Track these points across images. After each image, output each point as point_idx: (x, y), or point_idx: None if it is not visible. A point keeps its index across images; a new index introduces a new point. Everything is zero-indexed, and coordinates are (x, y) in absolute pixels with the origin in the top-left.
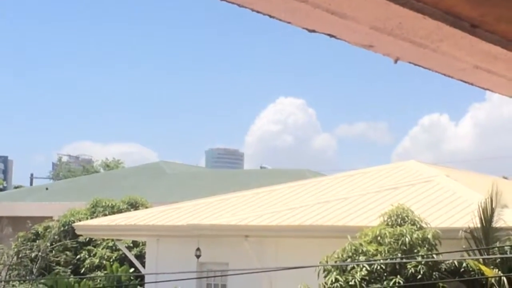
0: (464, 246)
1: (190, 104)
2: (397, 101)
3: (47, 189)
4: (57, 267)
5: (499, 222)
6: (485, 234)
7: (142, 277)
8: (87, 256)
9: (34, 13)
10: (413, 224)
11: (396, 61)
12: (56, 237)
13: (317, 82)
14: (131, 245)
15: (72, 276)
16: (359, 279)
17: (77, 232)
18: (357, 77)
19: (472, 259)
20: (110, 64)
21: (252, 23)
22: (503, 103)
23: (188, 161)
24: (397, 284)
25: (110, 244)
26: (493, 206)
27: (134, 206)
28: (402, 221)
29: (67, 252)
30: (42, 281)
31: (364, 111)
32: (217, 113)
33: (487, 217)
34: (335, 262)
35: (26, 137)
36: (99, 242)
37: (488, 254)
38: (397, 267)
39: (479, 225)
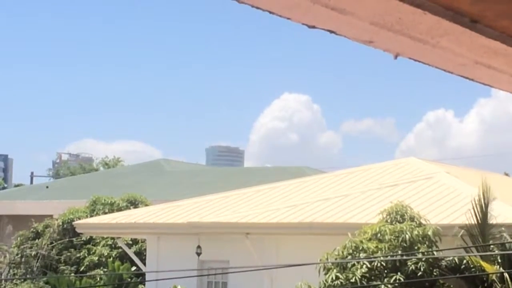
0: (460, 243)
1: (194, 101)
2: (405, 97)
3: (47, 187)
4: (59, 265)
5: (492, 218)
6: (481, 230)
7: (142, 275)
8: (86, 255)
9: (37, 10)
10: (412, 221)
11: (396, 57)
12: (55, 235)
13: (322, 77)
14: (130, 242)
15: (73, 274)
16: (359, 277)
17: (77, 230)
18: (364, 73)
19: (473, 255)
20: (113, 62)
21: (254, 19)
22: (509, 99)
23: (192, 159)
24: (397, 281)
25: (109, 242)
26: (486, 201)
27: (133, 204)
28: (401, 218)
29: (72, 250)
30: (44, 279)
31: (371, 107)
32: (220, 111)
33: (482, 213)
34: (335, 259)
35: (27, 135)
36: (98, 240)
37: (487, 251)
38: (398, 264)
39: (474, 222)
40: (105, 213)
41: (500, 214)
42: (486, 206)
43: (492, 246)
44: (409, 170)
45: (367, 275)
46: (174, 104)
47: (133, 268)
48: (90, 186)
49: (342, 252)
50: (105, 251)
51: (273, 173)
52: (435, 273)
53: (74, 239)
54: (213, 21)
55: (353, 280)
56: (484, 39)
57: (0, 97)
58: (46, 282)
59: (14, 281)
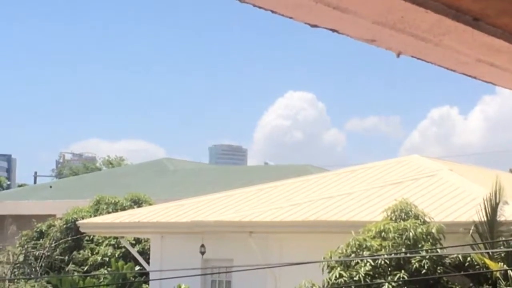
0: (468, 239)
1: (197, 100)
2: (409, 95)
3: (51, 187)
4: (62, 264)
5: (502, 216)
6: (490, 228)
7: (146, 274)
8: (90, 254)
9: (42, 10)
10: (417, 219)
11: (398, 55)
12: (59, 235)
13: (327, 76)
14: (134, 241)
15: (77, 274)
16: (363, 275)
17: (81, 230)
18: (368, 71)
19: (476, 253)
20: (116, 61)
21: (257, 18)
22: None
23: (195, 158)
24: (401, 279)
25: (113, 241)
26: (497, 200)
27: (137, 203)
28: (405, 216)
29: (81, 251)
30: (46, 279)
31: (375, 105)
32: (224, 109)
33: (492, 211)
34: (339, 257)
35: (30, 135)
36: (101, 240)
37: (493, 248)
38: (402, 262)
39: (484, 219)
40: (108, 212)
41: (506, 211)
42: (497, 204)
43: (497, 243)
44: (412, 167)
45: (371, 273)
46: (177, 102)
47: (137, 268)
48: (94, 185)
49: (346, 250)
50: (109, 251)
51: (276, 172)
52: (439, 271)
53: (80, 236)
54: (216, 20)
55: (356, 278)
56: (486, 37)
57: (3, 97)
58: (49, 282)
59: (17, 281)
